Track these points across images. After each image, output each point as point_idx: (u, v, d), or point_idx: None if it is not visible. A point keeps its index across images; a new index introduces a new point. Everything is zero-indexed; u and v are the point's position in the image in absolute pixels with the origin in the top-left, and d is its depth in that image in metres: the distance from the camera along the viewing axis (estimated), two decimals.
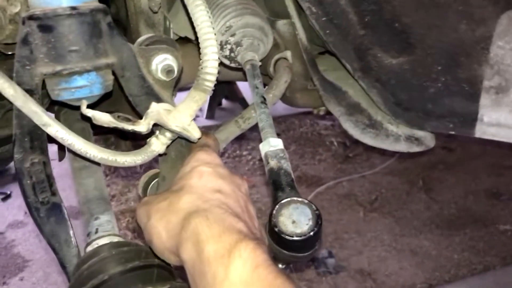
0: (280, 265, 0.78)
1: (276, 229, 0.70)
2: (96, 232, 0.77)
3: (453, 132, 1.08)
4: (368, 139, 1.19)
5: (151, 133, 0.72)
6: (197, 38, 0.72)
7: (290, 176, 0.78)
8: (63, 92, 0.67)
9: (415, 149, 1.17)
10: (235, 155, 3.34)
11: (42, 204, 0.74)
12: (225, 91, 3.91)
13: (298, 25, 1.13)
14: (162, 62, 0.72)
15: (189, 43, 1.18)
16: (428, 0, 1.01)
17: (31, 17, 0.62)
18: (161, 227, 0.65)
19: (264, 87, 1.09)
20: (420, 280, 2.15)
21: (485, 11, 0.97)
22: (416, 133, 1.15)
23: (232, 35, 1.05)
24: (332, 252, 2.30)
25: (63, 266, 0.75)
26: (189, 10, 0.71)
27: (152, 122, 0.67)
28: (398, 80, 1.07)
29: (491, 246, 2.36)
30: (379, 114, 1.16)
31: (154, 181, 0.87)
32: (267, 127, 0.88)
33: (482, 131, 1.06)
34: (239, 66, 1.09)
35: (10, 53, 0.79)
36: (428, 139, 1.16)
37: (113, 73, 0.71)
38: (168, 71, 0.72)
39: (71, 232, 0.75)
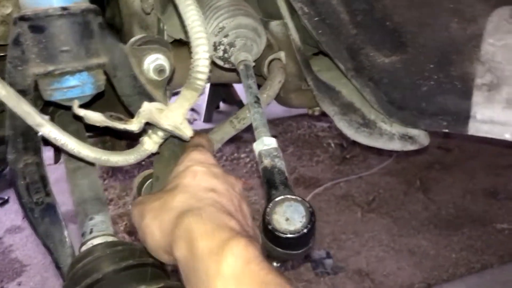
0: (275, 263, 0.78)
1: (270, 227, 0.71)
2: (91, 232, 0.77)
3: (446, 130, 1.09)
4: (362, 138, 1.19)
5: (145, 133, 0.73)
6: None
7: (283, 175, 0.79)
8: (55, 92, 0.67)
9: (409, 147, 1.17)
10: (233, 158, 3.34)
11: (37, 205, 0.74)
12: (222, 94, 3.92)
13: (291, 25, 1.13)
14: (154, 62, 0.72)
15: (184, 46, 1.18)
16: None
17: (22, 18, 0.62)
18: (155, 226, 0.65)
19: (259, 88, 1.09)
20: (418, 279, 2.15)
21: (476, 9, 0.98)
22: (410, 132, 1.15)
23: (225, 36, 1.05)
24: (330, 252, 2.30)
25: (58, 266, 0.75)
26: (180, 10, 0.71)
27: (143, 121, 0.68)
28: (391, 79, 1.07)
29: (489, 245, 2.36)
30: (373, 113, 1.16)
31: (149, 181, 0.87)
32: (261, 127, 0.89)
33: (475, 128, 1.06)
34: (233, 67, 1.10)
35: (2, 54, 0.79)
36: (422, 137, 1.16)
37: (105, 73, 0.71)
38: (160, 70, 0.73)
39: (65, 232, 0.76)
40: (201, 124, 3.82)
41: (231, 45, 1.06)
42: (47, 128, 0.67)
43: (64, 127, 0.75)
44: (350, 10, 1.03)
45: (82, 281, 0.66)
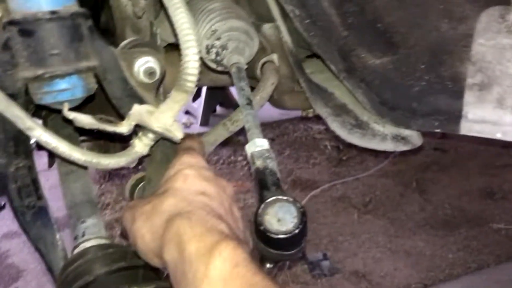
0: (268, 265, 0.79)
1: (261, 228, 0.71)
2: (83, 235, 0.78)
3: (438, 130, 1.09)
4: (355, 139, 1.19)
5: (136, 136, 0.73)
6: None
7: (275, 175, 0.79)
8: (45, 96, 0.67)
9: (402, 148, 1.18)
10: (230, 161, 3.35)
11: (28, 208, 0.74)
12: (219, 97, 3.93)
13: (283, 28, 1.14)
14: (144, 65, 0.73)
15: (178, 50, 1.19)
16: (409, 0, 1.02)
17: (11, 22, 0.63)
18: (145, 230, 0.65)
19: (252, 90, 1.10)
20: (415, 280, 2.15)
21: (465, 9, 0.99)
22: (403, 132, 1.16)
23: (218, 39, 1.05)
24: (326, 254, 2.30)
25: (50, 269, 0.75)
26: (169, 13, 0.72)
27: (133, 123, 0.68)
28: (382, 80, 1.08)
29: (485, 245, 2.36)
30: (365, 114, 1.17)
31: (141, 184, 0.87)
32: (253, 128, 0.89)
33: (467, 128, 1.07)
34: (226, 70, 1.10)
35: None
36: (414, 137, 1.17)
37: (96, 77, 0.71)
38: (150, 73, 0.73)
39: (57, 235, 0.76)
40: (198, 128, 3.82)
41: (224, 47, 1.06)
42: (37, 132, 0.67)
43: (56, 131, 0.76)
44: (341, 12, 1.03)
45: (74, 284, 0.66)
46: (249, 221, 0.75)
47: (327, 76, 1.22)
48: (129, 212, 0.70)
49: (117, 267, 0.68)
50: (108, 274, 0.67)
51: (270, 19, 1.15)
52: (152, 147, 0.74)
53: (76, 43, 0.66)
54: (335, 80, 1.17)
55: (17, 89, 0.67)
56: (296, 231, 0.72)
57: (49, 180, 2.61)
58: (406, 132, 1.16)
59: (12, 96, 0.66)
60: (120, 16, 1.07)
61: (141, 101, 0.73)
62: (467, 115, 1.05)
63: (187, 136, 0.80)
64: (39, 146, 1.02)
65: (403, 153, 3.28)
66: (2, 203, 2.85)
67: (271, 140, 3.58)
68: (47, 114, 0.98)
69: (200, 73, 1.39)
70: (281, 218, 0.73)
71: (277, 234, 0.71)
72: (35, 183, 0.75)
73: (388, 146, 1.18)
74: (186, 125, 3.88)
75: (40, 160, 1.12)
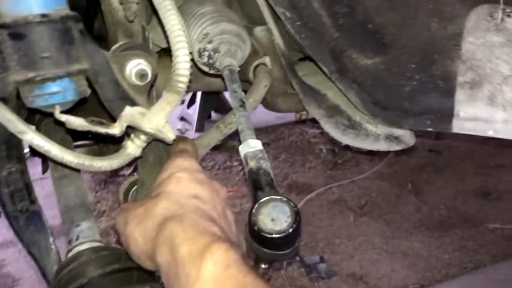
0: (262, 265, 0.79)
1: (255, 228, 0.71)
2: (77, 238, 0.77)
3: (431, 129, 1.10)
4: (348, 139, 1.20)
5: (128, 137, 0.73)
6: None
7: (269, 176, 0.79)
8: (36, 99, 0.67)
9: (395, 147, 1.18)
10: (226, 166, 3.35)
11: (21, 213, 0.74)
12: (214, 103, 3.93)
13: (274, 31, 1.14)
14: (135, 67, 0.73)
15: (171, 55, 1.19)
16: (399, 0, 1.03)
17: (2, 26, 0.63)
18: (138, 233, 0.65)
19: (245, 93, 1.10)
20: (412, 281, 2.15)
21: (455, 8, 1.00)
22: (395, 132, 1.16)
23: (210, 42, 1.06)
24: (323, 257, 2.30)
25: (44, 274, 0.75)
26: (160, 15, 0.72)
27: (125, 125, 0.68)
28: (374, 80, 1.08)
29: (481, 245, 2.37)
30: (358, 115, 1.17)
31: (135, 187, 0.87)
32: (246, 129, 0.90)
33: (459, 126, 1.07)
34: (218, 73, 1.11)
35: None
36: (407, 137, 1.17)
37: (87, 80, 0.72)
38: (142, 75, 0.73)
39: (51, 239, 0.76)
40: (193, 134, 3.82)
41: (216, 51, 1.07)
42: (29, 135, 0.67)
43: (49, 136, 0.76)
44: (332, 13, 1.04)
45: (68, 287, 0.66)
46: (245, 225, 0.75)
47: (319, 79, 1.22)
48: (122, 215, 0.70)
49: (111, 269, 0.67)
50: (102, 276, 0.67)
51: (262, 22, 1.16)
52: (144, 148, 0.74)
53: (67, 46, 0.67)
54: (328, 82, 1.17)
55: (8, 93, 0.67)
56: (290, 230, 0.72)
57: (44, 188, 2.61)
58: (398, 131, 1.16)
59: (4, 100, 0.66)
60: (112, 21, 1.07)
61: (133, 104, 0.73)
62: (458, 113, 1.05)
63: (180, 139, 0.80)
64: (33, 152, 1.03)
65: (397, 155, 3.30)
66: None
67: (267, 145, 3.58)
68: (40, 120, 0.98)
69: (194, 78, 1.40)
70: (275, 217, 0.73)
71: (271, 234, 0.71)
72: (28, 187, 0.75)
73: (381, 146, 1.18)
74: (181, 132, 3.88)
75: (35, 169, 1.12)
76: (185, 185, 0.69)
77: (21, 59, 0.64)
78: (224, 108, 3.89)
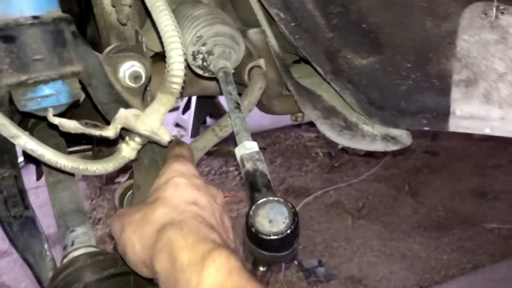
0: (261, 268, 0.78)
1: (253, 229, 0.70)
2: (72, 244, 0.76)
3: (427, 128, 1.10)
4: (345, 141, 1.19)
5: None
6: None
7: (266, 177, 0.78)
8: (29, 103, 0.66)
9: (392, 147, 1.18)
10: (222, 171, 3.34)
11: (15, 219, 0.73)
12: (209, 109, 3.93)
13: (268, 32, 1.14)
14: (129, 69, 0.72)
15: (165, 60, 1.18)
16: None
17: None
18: (135, 239, 0.64)
19: (240, 95, 1.09)
20: (410, 283, 2.14)
21: (449, 6, 1.00)
22: (392, 132, 1.16)
23: (204, 45, 1.05)
24: (322, 261, 2.29)
25: (39, 281, 0.74)
26: (153, 16, 0.71)
27: (119, 127, 0.67)
28: (369, 80, 1.08)
29: (479, 245, 2.37)
30: (354, 116, 1.17)
31: (130, 192, 0.86)
32: (242, 131, 0.89)
33: (456, 125, 1.07)
34: (213, 76, 1.10)
35: None
36: (404, 137, 1.17)
37: (81, 83, 0.71)
38: (135, 77, 0.72)
39: (45, 245, 0.74)
40: (188, 140, 3.80)
41: (210, 53, 1.06)
42: (22, 140, 0.66)
43: (43, 142, 0.75)
44: (326, 13, 1.04)
45: None
46: (243, 228, 0.74)
47: (315, 80, 1.22)
48: (118, 221, 0.68)
49: (108, 274, 0.66)
50: (99, 281, 0.66)
51: (256, 25, 1.16)
52: (139, 151, 0.73)
53: (60, 48, 0.66)
54: (323, 83, 1.17)
55: (0, 97, 0.66)
56: (288, 231, 0.71)
57: (39, 197, 2.59)
58: (395, 131, 1.16)
59: None
60: (104, 25, 1.06)
61: (127, 106, 0.72)
62: (454, 111, 1.05)
63: (177, 143, 0.79)
64: (27, 158, 1.02)
65: (394, 158, 3.31)
66: None
67: (263, 149, 3.57)
68: (33, 125, 0.97)
69: (189, 82, 1.40)
70: (272, 219, 0.72)
71: (269, 235, 0.71)
72: (21, 193, 0.74)
73: (378, 146, 1.18)
74: (176, 138, 3.87)
75: (29, 178, 1.11)
76: (183, 191, 0.68)
77: (13, 62, 0.63)
78: (219, 114, 3.88)
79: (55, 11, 0.67)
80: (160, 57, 1.18)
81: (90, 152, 1.15)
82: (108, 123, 0.74)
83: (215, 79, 1.11)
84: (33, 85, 0.65)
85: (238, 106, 0.96)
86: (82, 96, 0.94)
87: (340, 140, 1.20)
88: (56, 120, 0.64)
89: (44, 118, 0.71)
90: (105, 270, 0.67)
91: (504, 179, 2.95)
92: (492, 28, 0.96)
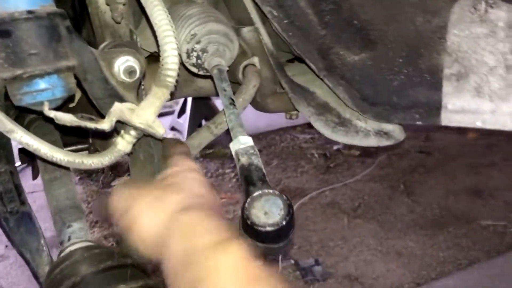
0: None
1: (248, 222, 0.71)
2: (69, 239, 0.77)
3: (420, 123, 1.11)
4: (339, 137, 1.20)
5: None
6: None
7: (261, 171, 0.79)
8: (25, 97, 0.67)
9: (385, 143, 1.19)
10: (218, 174, 3.35)
11: (11, 214, 0.73)
12: (204, 112, 3.93)
13: (262, 30, 1.15)
14: (124, 64, 0.73)
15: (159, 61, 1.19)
16: None
17: None
18: (147, 218, 0.64)
19: (234, 94, 1.10)
20: (407, 280, 2.15)
21: (438, 2, 1.01)
22: (385, 127, 1.17)
23: (198, 43, 1.06)
24: (318, 260, 2.29)
25: (35, 276, 0.74)
26: (147, 11, 0.72)
27: (114, 119, 0.68)
28: (362, 76, 1.09)
29: (475, 242, 2.39)
30: (348, 112, 1.18)
31: None
32: (237, 127, 0.90)
33: (448, 119, 1.08)
34: (207, 74, 1.11)
35: None
36: (397, 132, 1.18)
37: (76, 78, 0.71)
38: (130, 72, 0.73)
39: (42, 240, 0.75)
40: None
41: (204, 51, 1.07)
42: (18, 134, 0.66)
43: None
44: (318, 11, 1.05)
45: (60, 286, 0.65)
46: (238, 221, 0.75)
47: (308, 78, 1.23)
48: (125, 193, 0.68)
49: (104, 266, 0.67)
50: (95, 274, 0.66)
51: (249, 23, 1.16)
52: (134, 145, 0.73)
53: (55, 42, 0.66)
54: (317, 80, 1.18)
55: None
56: (284, 222, 0.72)
57: (35, 202, 2.59)
58: (388, 127, 1.17)
59: None
60: (99, 23, 1.07)
61: (122, 101, 0.73)
62: (446, 105, 1.06)
63: (178, 142, 0.81)
64: (23, 153, 1.02)
65: (389, 158, 3.32)
66: None
67: (258, 152, 3.58)
68: (30, 123, 0.97)
69: (184, 83, 1.40)
70: (267, 211, 0.73)
71: (264, 227, 0.71)
72: (18, 188, 0.74)
73: (371, 142, 1.19)
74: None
75: (26, 182, 1.11)
76: (194, 184, 0.70)
77: (8, 56, 0.64)
78: (214, 116, 3.88)
79: (49, 5, 0.67)
80: (155, 58, 1.18)
81: (86, 151, 1.15)
82: (103, 118, 0.75)
83: (209, 77, 1.12)
84: (29, 79, 0.66)
85: (232, 102, 0.97)
86: (78, 94, 0.94)
87: (334, 137, 1.21)
88: (52, 113, 0.64)
89: (40, 113, 0.72)
90: (102, 263, 0.67)
91: (498, 177, 2.97)
92: (481, 22, 0.98)
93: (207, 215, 0.63)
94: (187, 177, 0.71)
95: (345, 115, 1.19)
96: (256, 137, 3.81)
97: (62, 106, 0.72)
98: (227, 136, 1.03)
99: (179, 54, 0.75)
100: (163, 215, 0.63)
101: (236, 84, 1.19)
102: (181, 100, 3.92)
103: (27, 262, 0.74)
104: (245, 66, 1.19)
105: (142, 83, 0.84)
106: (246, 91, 1.15)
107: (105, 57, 0.72)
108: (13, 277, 2.39)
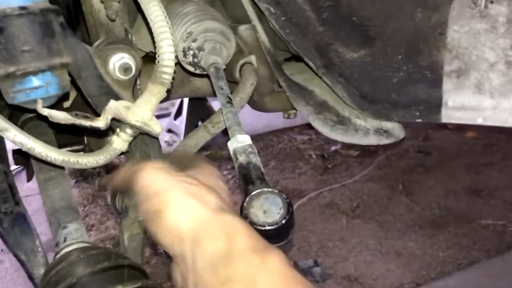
0: None
1: (247, 221, 0.70)
2: (65, 240, 0.75)
3: (420, 120, 1.10)
4: (338, 135, 1.19)
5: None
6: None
7: (259, 170, 0.78)
8: (18, 95, 0.65)
9: (385, 141, 1.18)
10: None
11: (5, 215, 0.72)
12: (201, 113, 3.92)
13: (259, 28, 1.14)
14: (119, 61, 0.72)
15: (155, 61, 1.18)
16: None
17: None
18: (181, 208, 0.62)
19: (232, 93, 1.09)
20: (407, 280, 2.14)
21: None
22: (385, 125, 1.16)
23: (194, 41, 1.05)
24: (317, 261, 2.28)
25: (31, 277, 0.72)
26: (143, 8, 0.71)
27: (110, 117, 0.66)
28: (361, 73, 1.08)
29: (475, 241, 2.37)
30: (347, 110, 1.17)
31: None
32: (234, 125, 0.89)
33: (448, 116, 1.07)
34: (204, 72, 1.10)
35: None
36: (397, 130, 1.17)
37: (70, 75, 0.70)
38: (125, 69, 0.72)
39: (37, 241, 0.73)
40: None
41: (200, 49, 1.06)
42: (12, 133, 0.65)
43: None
44: (316, 7, 1.04)
45: (57, 287, 0.63)
46: None
47: (306, 76, 1.22)
48: (162, 173, 0.65)
49: (101, 267, 0.65)
50: (92, 275, 0.64)
51: (246, 21, 1.15)
52: (130, 143, 0.72)
53: (48, 39, 0.65)
54: (315, 79, 1.17)
55: None
56: (283, 221, 0.71)
57: (30, 205, 2.57)
58: (388, 125, 1.16)
59: None
60: (93, 22, 1.06)
61: (117, 99, 0.71)
62: (447, 102, 1.05)
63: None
64: (17, 160, 1.00)
65: (388, 158, 3.31)
66: None
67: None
68: (24, 123, 0.96)
69: (180, 83, 1.39)
70: (267, 210, 0.72)
71: (264, 226, 0.70)
72: (12, 188, 0.73)
73: (371, 140, 1.18)
74: (169, 143, 3.86)
75: (21, 187, 1.10)
76: (224, 193, 0.71)
77: (1, 53, 0.62)
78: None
79: (43, 2, 0.66)
80: (150, 59, 1.17)
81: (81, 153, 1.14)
82: (98, 116, 0.74)
83: (206, 76, 1.11)
84: (22, 76, 0.64)
85: (230, 101, 0.96)
86: (73, 94, 0.93)
87: (333, 135, 1.20)
88: (46, 111, 0.63)
89: (34, 112, 0.70)
90: (99, 264, 0.65)
91: (498, 176, 2.96)
92: (481, 17, 0.97)
93: (243, 221, 0.62)
94: (218, 183, 0.71)
95: (344, 114, 1.18)
96: (254, 138, 3.75)
97: (56, 105, 0.70)
98: (224, 138, 1.02)
99: (176, 53, 0.74)
100: (201, 211, 0.62)
101: (233, 83, 1.18)
102: (178, 102, 3.91)
103: (22, 263, 0.73)
104: (242, 65, 1.18)
105: (138, 82, 0.83)
106: (244, 90, 1.14)
107: (100, 54, 0.71)
108: (9, 281, 2.37)
